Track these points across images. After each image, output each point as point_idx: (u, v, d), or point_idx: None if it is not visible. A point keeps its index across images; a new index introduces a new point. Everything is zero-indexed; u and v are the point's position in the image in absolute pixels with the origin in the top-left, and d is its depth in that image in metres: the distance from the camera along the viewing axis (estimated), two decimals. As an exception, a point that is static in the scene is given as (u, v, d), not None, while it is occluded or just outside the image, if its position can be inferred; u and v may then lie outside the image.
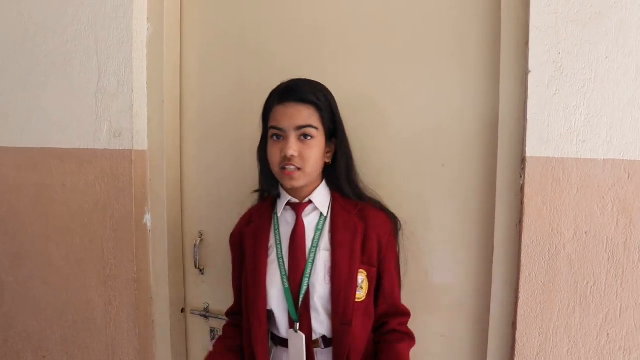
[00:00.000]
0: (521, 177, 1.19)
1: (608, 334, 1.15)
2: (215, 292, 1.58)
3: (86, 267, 1.60)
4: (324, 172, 1.23)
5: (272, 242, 1.21)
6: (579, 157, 1.14)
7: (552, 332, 1.18)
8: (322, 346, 1.18)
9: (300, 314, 1.15)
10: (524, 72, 1.17)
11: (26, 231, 1.68)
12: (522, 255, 1.18)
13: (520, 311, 1.19)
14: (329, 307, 1.14)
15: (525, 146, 1.16)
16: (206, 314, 1.59)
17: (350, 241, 1.15)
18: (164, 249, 1.56)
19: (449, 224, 1.34)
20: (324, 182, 1.23)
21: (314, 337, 1.17)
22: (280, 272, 1.17)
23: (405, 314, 1.24)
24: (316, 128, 1.14)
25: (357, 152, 1.25)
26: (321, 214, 1.20)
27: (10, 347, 1.74)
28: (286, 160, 1.12)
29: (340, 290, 1.13)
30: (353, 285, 1.13)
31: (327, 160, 1.21)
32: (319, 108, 1.15)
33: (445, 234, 1.34)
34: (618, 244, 1.13)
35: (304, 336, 1.15)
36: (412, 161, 1.36)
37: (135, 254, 1.54)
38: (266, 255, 1.20)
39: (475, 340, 1.34)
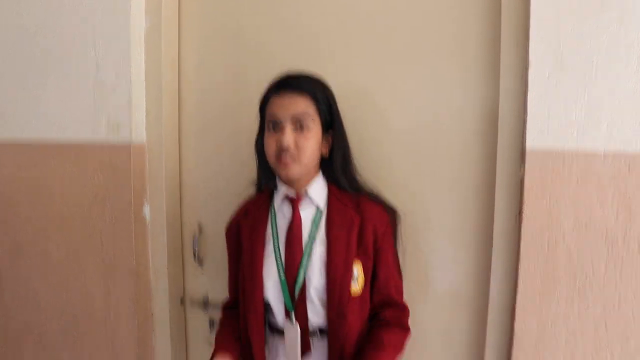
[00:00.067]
0: (521, 169, 1.19)
1: (606, 325, 1.16)
2: (214, 283, 1.58)
3: (85, 259, 1.60)
4: (321, 164, 1.23)
5: (269, 234, 1.21)
6: (579, 149, 1.14)
7: (551, 323, 1.19)
8: (318, 337, 1.18)
9: (296, 306, 1.16)
10: (524, 64, 1.17)
11: (25, 224, 1.67)
12: (522, 246, 1.19)
13: (519, 302, 1.20)
14: (325, 298, 1.15)
15: (526, 138, 1.16)
16: (205, 305, 1.60)
17: (346, 234, 1.16)
18: (163, 241, 1.56)
19: (449, 215, 1.34)
20: (320, 175, 1.23)
21: (310, 328, 1.18)
22: (277, 264, 1.17)
23: (401, 306, 1.22)
24: (312, 118, 1.14)
25: (355, 144, 1.25)
26: (317, 206, 1.20)
27: (10, 339, 1.75)
28: (282, 151, 1.12)
29: (335, 283, 1.13)
30: (348, 278, 1.14)
31: (324, 151, 1.21)
32: (315, 98, 1.15)
33: (445, 226, 1.35)
34: (617, 236, 1.13)
35: (298, 327, 1.15)
36: (411, 153, 1.36)
37: (135, 246, 1.54)
38: (263, 248, 1.20)
39: (474, 331, 1.35)
